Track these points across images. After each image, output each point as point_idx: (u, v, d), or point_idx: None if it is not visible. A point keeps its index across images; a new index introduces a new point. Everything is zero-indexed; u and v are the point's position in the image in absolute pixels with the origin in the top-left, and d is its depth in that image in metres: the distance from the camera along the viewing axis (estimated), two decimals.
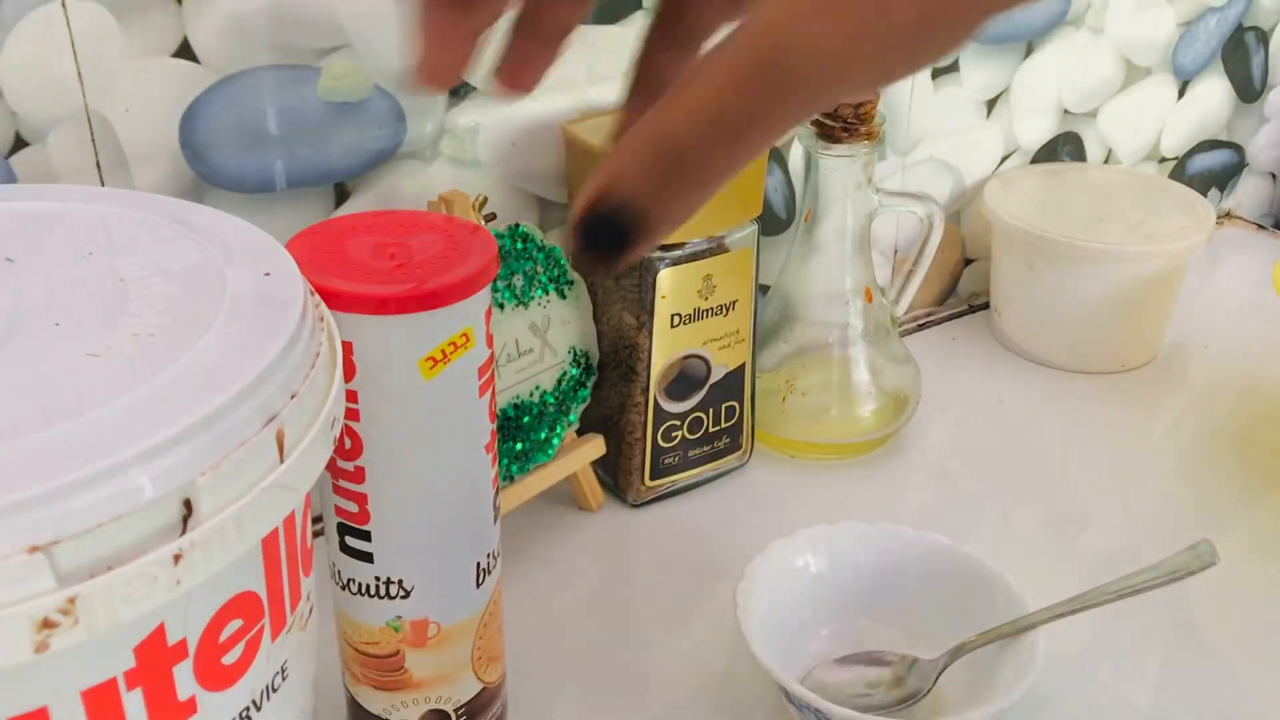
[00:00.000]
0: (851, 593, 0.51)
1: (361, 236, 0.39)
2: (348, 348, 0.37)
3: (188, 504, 0.25)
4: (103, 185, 0.49)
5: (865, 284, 0.63)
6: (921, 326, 0.79)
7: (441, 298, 0.36)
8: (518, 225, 0.54)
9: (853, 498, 0.63)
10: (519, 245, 0.54)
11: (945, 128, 0.75)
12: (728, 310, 0.58)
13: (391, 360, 0.37)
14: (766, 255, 0.69)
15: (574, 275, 0.57)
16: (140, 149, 0.49)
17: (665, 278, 0.56)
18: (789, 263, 0.64)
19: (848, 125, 0.58)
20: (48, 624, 0.23)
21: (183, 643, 0.27)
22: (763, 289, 0.68)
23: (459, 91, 0.56)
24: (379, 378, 0.37)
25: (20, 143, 0.47)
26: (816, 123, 0.59)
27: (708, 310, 0.58)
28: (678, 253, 0.56)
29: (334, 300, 0.36)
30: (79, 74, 0.47)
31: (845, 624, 0.51)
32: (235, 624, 0.28)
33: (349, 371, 0.37)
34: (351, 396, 0.37)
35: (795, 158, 0.69)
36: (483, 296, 0.38)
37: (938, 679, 0.48)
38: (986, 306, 0.80)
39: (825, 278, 0.62)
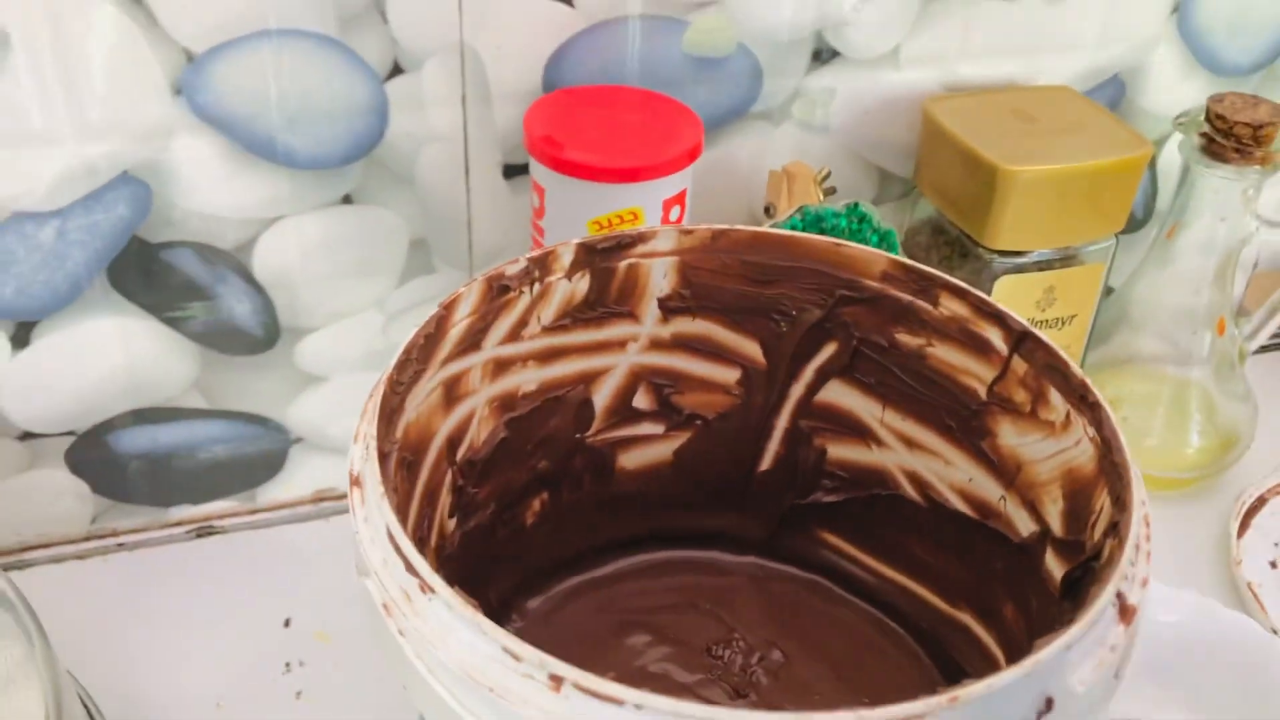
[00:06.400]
0: None
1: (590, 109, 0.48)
2: (541, 191, 0.47)
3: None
4: (464, 118, 0.50)
5: (1220, 313, 0.57)
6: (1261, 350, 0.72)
7: (616, 175, 0.44)
8: (856, 204, 0.52)
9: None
10: (854, 226, 0.52)
11: None
12: (1064, 324, 0.55)
13: (571, 214, 0.46)
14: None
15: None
16: (505, 86, 0.49)
17: (1003, 285, 0.53)
18: (1142, 270, 0.59)
19: (1241, 147, 0.52)
20: None
21: None
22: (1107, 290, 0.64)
23: (821, 55, 0.54)
24: (557, 225, 0.47)
25: (397, 69, 0.48)
26: (1204, 135, 0.53)
27: (1042, 322, 0.54)
28: (1021, 260, 0.53)
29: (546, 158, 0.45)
30: (460, 6, 0.47)
31: None
32: None
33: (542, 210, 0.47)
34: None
35: (1165, 158, 0.63)
36: (656, 186, 0.45)
37: None
38: None
39: (1178, 295, 0.57)
